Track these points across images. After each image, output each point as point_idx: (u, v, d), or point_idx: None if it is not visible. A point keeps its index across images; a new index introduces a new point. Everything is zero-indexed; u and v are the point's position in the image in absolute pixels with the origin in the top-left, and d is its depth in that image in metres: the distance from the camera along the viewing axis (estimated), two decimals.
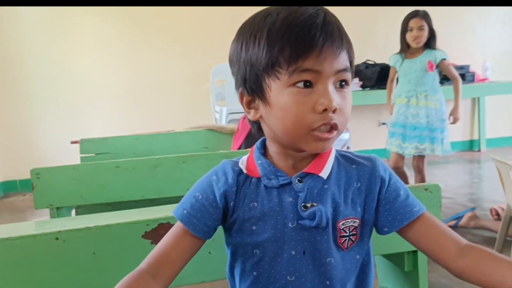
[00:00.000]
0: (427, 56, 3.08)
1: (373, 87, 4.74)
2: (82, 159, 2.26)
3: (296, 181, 0.75)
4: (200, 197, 0.77)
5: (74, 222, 1.01)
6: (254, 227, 0.76)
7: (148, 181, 1.69)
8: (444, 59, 3.06)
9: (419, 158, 3.19)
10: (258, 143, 0.81)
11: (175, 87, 4.76)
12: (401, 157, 3.22)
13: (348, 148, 5.07)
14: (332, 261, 0.76)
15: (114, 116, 4.68)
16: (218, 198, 0.76)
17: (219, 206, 0.76)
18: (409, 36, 3.07)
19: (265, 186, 0.76)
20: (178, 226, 0.77)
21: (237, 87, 0.78)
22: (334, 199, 0.76)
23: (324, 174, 0.76)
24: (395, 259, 1.14)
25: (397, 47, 5.34)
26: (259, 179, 0.77)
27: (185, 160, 1.71)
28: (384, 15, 5.18)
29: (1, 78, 4.43)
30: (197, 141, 2.46)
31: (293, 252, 0.75)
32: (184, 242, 0.76)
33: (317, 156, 0.77)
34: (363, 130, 5.36)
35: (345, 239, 0.77)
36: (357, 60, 5.23)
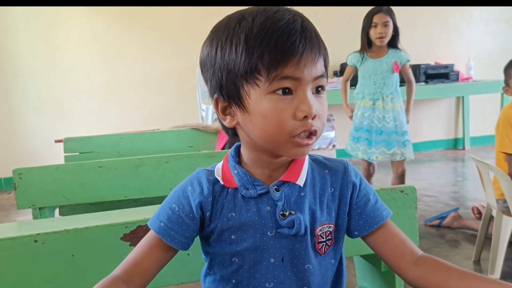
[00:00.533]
0: (393, 57, 2.93)
1: None
2: (66, 158, 2.26)
3: (274, 189, 0.76)
4: (176, 209, 0.76)
5: (54, 224, 1.02)
6: (233, 236, 0.76)
7: (131, 181, 1.69)
8: (408, 60, 2.97)
9: (400, 163, 3.01)
10: (232, 150, 0.80)
11: (162, 83, 4.76)
12: (369, 163, 3.11)
13: (334, 146, 5.10)
14: (310, 267, 0.77)
15: (99, 113, 4.67)
16: (194, 209, 0.75)
17: (196, 217, 0.76)
18: (373, 33, 2.86)
19: (242, 196, 0.76)
20: (153, 235, 0.76)
21: (211, 93, 0.76)
22: (311, 206, 0.77)
23: (301, 181, 0.77)
24: (372, 259, 1.16)
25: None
26: (236, 189, 0.77)
27: (168, 160, 1.72)
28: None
29: None
30: (181, 140, 2.47)
31: (272, 260, 0.76)
32: (159, 251, 0.76)
33: (292, 164, 0.78)
34: (349, 128, 5.39)
35: (322, 245, 0.78)
36: (342, 59, 5.28)
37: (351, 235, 0.82)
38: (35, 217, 1.63)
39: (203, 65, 0.76)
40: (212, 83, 0.75)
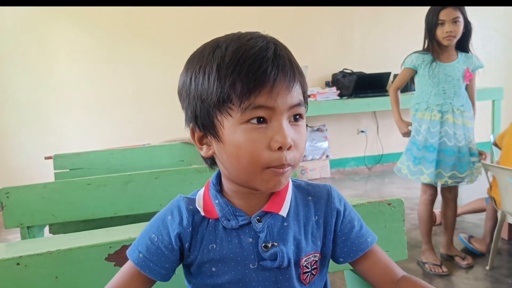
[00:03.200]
0: (464, 62, 2.49)
1: (350, 95, 4.79)
2: (56, 175, 2.24)
3: (256, 220, 0.74)
4: (155, 239, 0.74)
5: (38, 245, 1.00)
6: (214, 269, 0.74)
7: (120, 198, 1.68)
8: (482, 67, 2.54)
9: (453, 187, 2.61)
10: (213, 178, 0.79)
11: (153, 98, 4.75)
12: (435, 188, 2.63)
13: (327, 156, 5.11)
14: None
15: (91, 128, 4.65)
16: (173, 240, 0.74)
17: (175, 248, 0.74)
18: (440, 32, 2.40)
19: (223, 227, 0.74)
20: (132, 265, 0.75)
21: (187, 123, 0.75)
22: (295, 236, 0.75)
23: (284, 212, 0.75)
24: None
25: (373, 56, 5.42)
26: (217, 219, 0.75)
27: (158, 176, 1.71)
28: (359, 24, 5.25)
29: None
30: (172, 154, 2.45)
31: None
32: (138, 282, 0.74)
33: (275, 193, 0.76)
34: (342, 138, 5.42)
35: (307, 275, 0.77)
36: (334, 69, 5.32)
37: (336, 261, 0.81)
38: (23, 237, 1.61)
39: (179, 95, 0.75)
40: (187, 112, 0.74)
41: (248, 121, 0.67)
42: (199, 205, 0.76)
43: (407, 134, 2.62)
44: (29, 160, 4.46)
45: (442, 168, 2.49)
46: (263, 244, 0.73)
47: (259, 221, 0.74)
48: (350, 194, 4.35)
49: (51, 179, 2.15)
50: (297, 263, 0.75)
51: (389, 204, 1.07)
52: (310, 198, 0.79)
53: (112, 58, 4.63)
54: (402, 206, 1.08)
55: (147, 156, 2.42)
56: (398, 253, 1.08)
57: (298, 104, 0.69)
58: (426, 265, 2.51)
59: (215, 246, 0.74)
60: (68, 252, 0.89)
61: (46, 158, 2.57)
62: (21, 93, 4.46)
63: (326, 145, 5.12)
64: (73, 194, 1.64)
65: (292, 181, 0.80)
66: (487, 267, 2.48)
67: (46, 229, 1.90)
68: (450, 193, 2.62)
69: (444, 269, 2.46)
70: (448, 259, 2.63)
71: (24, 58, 4.45)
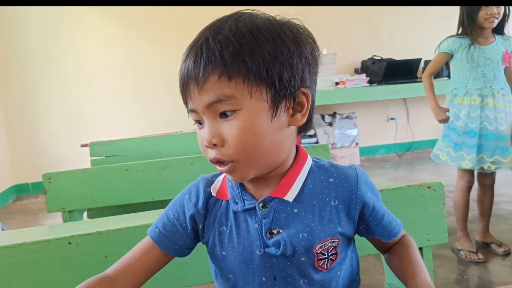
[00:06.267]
0: (502, 44, 2.43)
1: (380, 82, 4.74)
2: (92, 162, 2.29)
3: (260, 206, 0.72)
4: (172, 216, 0.77)
5: (85, 226, 1.04)
6: (224, 252, 0.75)
7: (156, 183, 1.71)
8: None
9: (490, 173, 2.54)
10: None
11: None
12: (472, 174, 2.56)
13: (357, 144, 5.07)
14: (306, 281, 0.73)
15: (121, 117, 4.74)
16: (187, 220, 0.76)
17: (189, 227, 0.76)
18: (483, 14, 2.33)
19: (234, 211, 0.74)
20: (148, 240, 0.78)
21: None
22: (307, 223, 0.72)
23: (290, 197, 0.72)
24: None
25: (403, 43, 5.34)
26: (228, 202, 0.75)
27: (193, 162, 1.73)
28: (389, 10, 5.17)
29: (9, 80, 4.52)
30: None
31: (264, 279, 0.73)
32: (150, 255, 0.76)
33: (285, 177, 0.74)
34: (372, 125, 5.38)
35: (324, 261, 0.73)
36: (363, 56, 5.26)
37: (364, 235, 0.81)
38: (64, 220, 1.66)
39: None
40: None
41: (195, 122, 0.72)
42: (214, 187, 0.77)
43: (445, 120, 2.54)
44: (64, 148, 4.58)
45: (484, 153, 2.42)
46: (268, 231, 0.72)
47: (264, 206, 0.72)
48: (380, 182, 4.32)
49: (87, 166, 2.20)
50: (310, 250, 0.72)
51: (429, 188, 1.07)
52: (331, 180, 0.75)
53: (142, 47, 4.69)
54: (442, 189, 1.08)
55: (179, 143, 2.45)
56: (439, 237, 1.08)
57: (218, 101, 0.66)
58: (462, 252, 2.48)
59: (225, 229, 0.75)
60: (117, 232, 0.92)
61: (82, 145, 2.64)
62: (55, 84, 4.56)
63: (356, 133, 5.09)
64: (111, 179, 1.68)
65: (314, 161, 0.78)
66: None
67: (85, 214, 1.96)
68: (488, 179, 2.55)
69: (480, 256, 2.42)
70: (484, 246, 2.59)
71: (56, 50, 4.55)
